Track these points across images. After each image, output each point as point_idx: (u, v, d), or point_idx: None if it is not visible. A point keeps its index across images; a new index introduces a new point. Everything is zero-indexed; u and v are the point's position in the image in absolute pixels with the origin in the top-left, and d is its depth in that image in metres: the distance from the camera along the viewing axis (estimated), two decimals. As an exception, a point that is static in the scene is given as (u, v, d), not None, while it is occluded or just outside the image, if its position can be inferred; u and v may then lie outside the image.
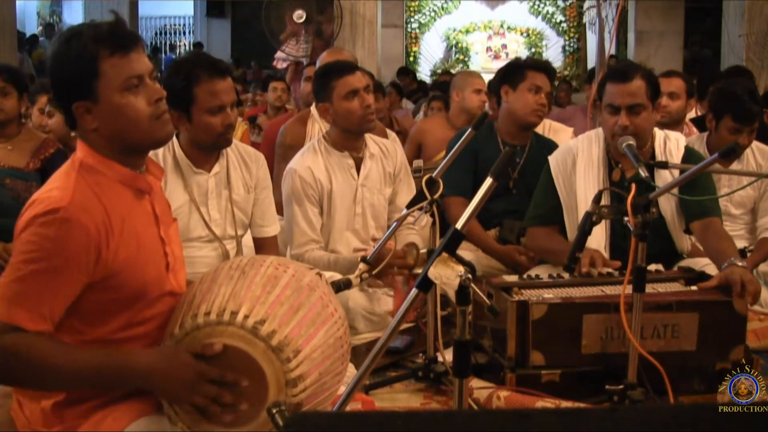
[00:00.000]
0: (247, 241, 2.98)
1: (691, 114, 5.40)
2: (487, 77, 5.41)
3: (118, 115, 1.71)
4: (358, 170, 3.31)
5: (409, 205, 2.55)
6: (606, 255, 2.92)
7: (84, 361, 1.66)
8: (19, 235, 1.66)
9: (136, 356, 1.72)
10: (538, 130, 4.09)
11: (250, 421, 1.72)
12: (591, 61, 11.42)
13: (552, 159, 3.17)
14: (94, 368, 1.67)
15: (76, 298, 1.68)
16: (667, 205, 3.03)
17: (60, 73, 1.73)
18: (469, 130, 2.71)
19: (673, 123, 4.14)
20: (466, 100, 4.54)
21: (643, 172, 2.55)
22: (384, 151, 3.39)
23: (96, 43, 1.69)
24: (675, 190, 2.78)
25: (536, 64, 3.73)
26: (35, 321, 1.63)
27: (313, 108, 4.08)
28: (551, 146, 3.68)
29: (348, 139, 3.28)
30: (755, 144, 3.67)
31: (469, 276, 1.61)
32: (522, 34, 14.74)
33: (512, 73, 3.65)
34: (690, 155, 3.04)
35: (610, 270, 2.79)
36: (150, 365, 1.69)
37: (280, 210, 3.21)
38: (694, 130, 4.50)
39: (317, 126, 3.98)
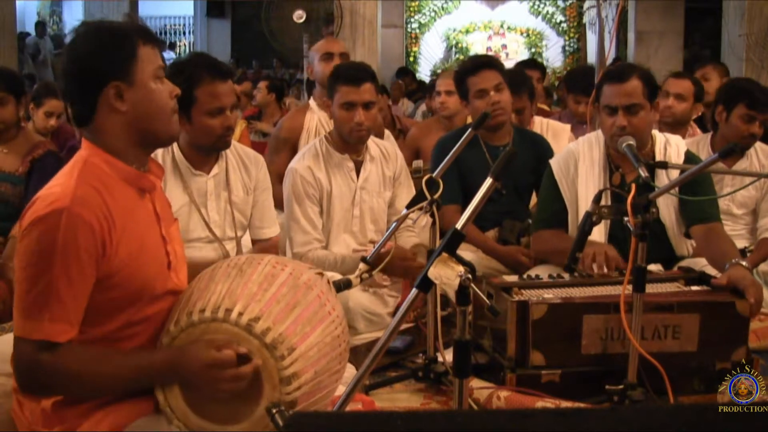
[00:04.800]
0: (247, 241, 2.98)
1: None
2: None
3: (149, 101, 1.77)
4: (358, 172, 3.31)
5: (409, 206, 2.55)
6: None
7: (119, 368, 1.71)
8: (23, 239, 1.66)
9: (157, 354, 1.76)
10: (537, 130, 4.08)
11: (244, 419, 1.72)
12: (591, 62, 11.41)
13: (554, 163, 3.16)
14: (128, 374, 1.71)
15: None
16: (666, 211, 3.02)
17: (94, 57, 1.75)
18: (469, 130, 2.71)
19: (677, 125, 4.09)
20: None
21: (643, 172, 2.54)
22: (384, 154, 3.39)
23: (134, 30, 1.78)
24: (676, 192, 2.78)
25: (473, 66, 3.56)
26: (65, 331, 1.65)
27: (311, 101, 4.09)
28: (534, 138, 3.68)
29: (347, 141, 3.28)
30: (759, 145, 3.67)
31: (469, 276, 1.61)
32: (522, 34, 14.73)
33: (459, 84, 3.58)
34: (690, 161, 3.01)
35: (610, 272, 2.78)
36: (169, 359, 1.72)
37: (278, 205, 3.20)
38: (698, 131, 4.48)
39: (316, 117, 3.98)
